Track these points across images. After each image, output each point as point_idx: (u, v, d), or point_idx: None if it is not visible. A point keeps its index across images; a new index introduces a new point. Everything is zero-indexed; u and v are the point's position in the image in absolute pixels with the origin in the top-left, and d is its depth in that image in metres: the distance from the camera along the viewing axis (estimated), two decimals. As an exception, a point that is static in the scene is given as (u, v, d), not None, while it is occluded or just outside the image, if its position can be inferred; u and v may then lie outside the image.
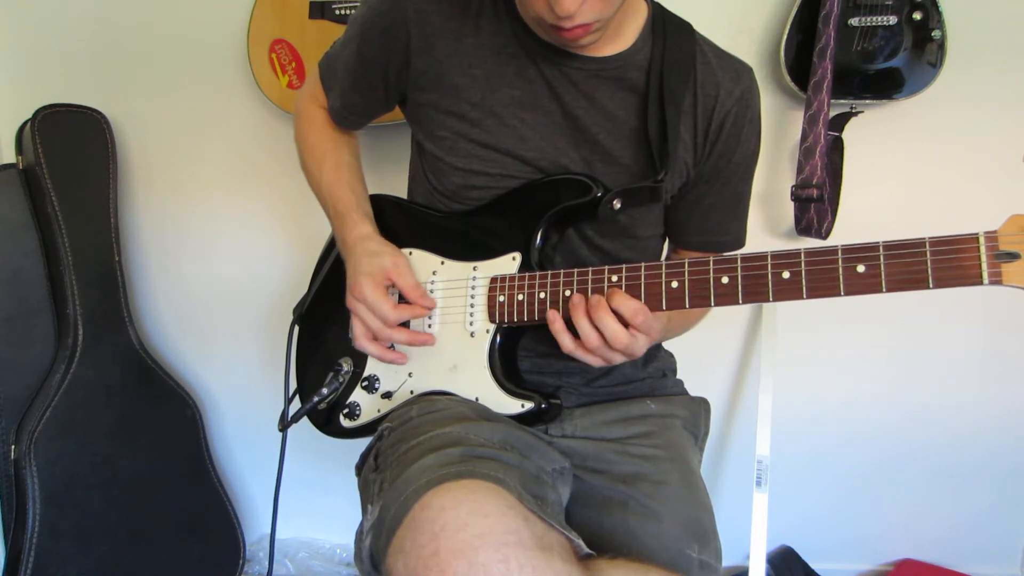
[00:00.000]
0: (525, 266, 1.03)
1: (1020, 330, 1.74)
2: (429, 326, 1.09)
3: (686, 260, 0.89)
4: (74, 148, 1.69)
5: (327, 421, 1.17)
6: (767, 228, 1.73)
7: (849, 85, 1.53)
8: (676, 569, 0.93)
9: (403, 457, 0.88)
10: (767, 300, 0.84)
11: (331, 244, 1.25)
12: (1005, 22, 1.61)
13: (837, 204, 1.61)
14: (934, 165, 1.68)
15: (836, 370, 1.80)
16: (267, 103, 1.72)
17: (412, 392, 1.09)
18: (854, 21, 1.51)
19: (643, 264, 0.92)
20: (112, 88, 1.82)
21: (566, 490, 1.02)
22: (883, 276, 0.77)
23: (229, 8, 1.74)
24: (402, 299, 1.07)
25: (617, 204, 1.01)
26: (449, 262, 1.09)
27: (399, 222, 1.17)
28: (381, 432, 1.02)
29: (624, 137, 1.06)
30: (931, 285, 0.74)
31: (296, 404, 1.21)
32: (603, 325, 0.91)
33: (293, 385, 1.24)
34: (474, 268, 1.07)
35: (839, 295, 0.80)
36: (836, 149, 1.60)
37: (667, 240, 1.23)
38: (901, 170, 1.69)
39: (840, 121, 1.59)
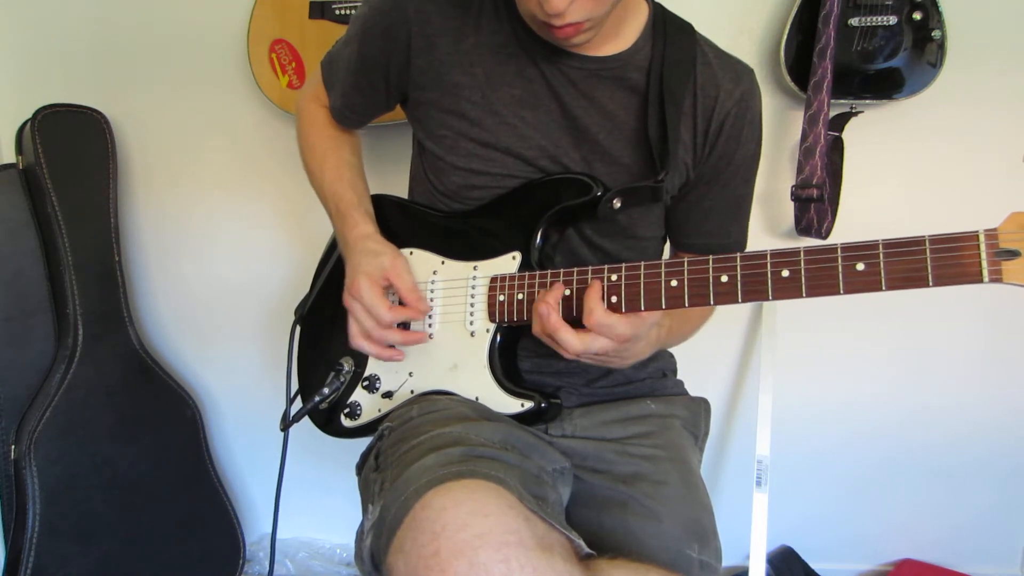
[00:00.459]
0: (525, 265, 1.03)
1: (1020, 329, 1.74)
2: (429, 325, 1.09)
3: (685, 259, 0.89)
4: (74, 148, 1.69)
5: (328, 421, 1.17)
6: (767, 228, 1.73)
7: (849, 85, 1.53)
8: (676, 569, 0.93)
9: (404, 457, 0.88)
10: (766, 299, 0.84)
11: (333, 244, 1.26)
12: (1005, 22, 1.61)
13: (837, 204, 1.61)
14: (934, 165, 1.68)
15: (836, 370, 1.81)
16: (267, 103, 1.72)
17: (412, 392, 1.09)
18: (854, 21, 1.51)
19: (642, 263, 0.92)
20: (112, 88, 1.82)
21: (566, 490, 1.02)
22: (883, 274, 0.77)
23: (229, 8, 1.74)
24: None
25: (617, 203, 1.01)
26: (449, 262, 1.09)
27: (399, 222, 1.17)
28: (382, 432, 1.02)
29: (624, 137, 1.06)
30: (931, 283, 0.74)
31: (297, 404, 1.21)
32: (557, 337, 0.92)
33: (294, 385, 1.24)
34: (474, 268, 1.07)
35: (839, 293, 0.79)
36: (836, 149, 1.60)
37: (668, 243, 1.23)
38: (901, 170, 1.69)
39: (840, 121, 1.59)
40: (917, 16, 1.49)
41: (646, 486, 1.01)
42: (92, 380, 1.68)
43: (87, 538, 1.65)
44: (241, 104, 1.81)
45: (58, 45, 1.82)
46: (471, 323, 1.05)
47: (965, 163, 1.67)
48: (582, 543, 0.80)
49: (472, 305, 1.06)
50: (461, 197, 1.10)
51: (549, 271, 0.99)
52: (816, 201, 1.54)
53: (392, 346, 1.09)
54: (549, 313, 0.92)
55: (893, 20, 1.50)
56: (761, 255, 0.84)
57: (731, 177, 1.11)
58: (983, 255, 0.72)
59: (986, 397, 1.78)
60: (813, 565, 1.86)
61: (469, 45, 1.05)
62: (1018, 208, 0.73)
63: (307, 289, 1.28)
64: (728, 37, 1.41)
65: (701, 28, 1.11)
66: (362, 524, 0.89)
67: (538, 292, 0.99)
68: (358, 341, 1.07)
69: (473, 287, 1.06)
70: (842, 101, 1.56)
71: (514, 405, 1.01)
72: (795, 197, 1.56)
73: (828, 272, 0.80)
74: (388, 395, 1.11)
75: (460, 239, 1.10)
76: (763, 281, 0.84)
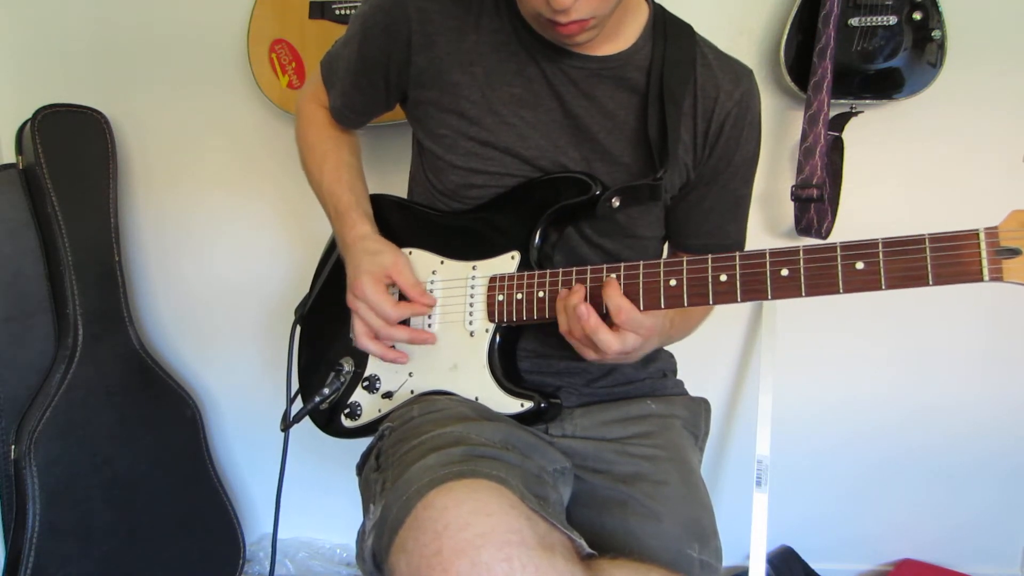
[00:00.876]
0: (524, 265, 1.03)
1: (1021, 329, 1.74)
2: (429, 325, 1.09)
3: (684, 258, 0.89)
4: (74, 148, 1.69)
5: (329, 421, 1.17)
6: (767, 228, 1.73)
7: (849, 85, 1.53)
8: (676, 569, 0.93)
9: (405, 457, 0.88)
10: (766, 298, 0.84)
11: (332, 244, 1.26)
12: (1005, 22, 1.61)
13: (837, 204, 1.61)
14: (934, 165, 1.68)
15: (836, 370, 1.80)
16: (267, 103, 1.72)
17: (412, 392, 1.09)
18: (854, 21, 1.51)
19: (641, 263, 0.92)
20: (112, 88, 1.82)
21: (567, 490, 1.02)
22: (882, 273, 0.77)
23: (229, 8, 1.74)
24: (403, 298, 1.07)
25: (616, 202, 1.01)
26: (449, 261, 1.09)
27: (399, 222, 1.17)
28: (382, 432, 1.02)
29: (624, 137, 1.06)
30: (931, 282, 0.74)
31: (297, 404, 1.22)
32: (596, 338, 0.91)
33: (295, 385, 1.24)
34: (473, 267, 1.07)
35: (838, 292, 0.79)
36: (836, 149, 1.60)
37: (667, 243, 1.23)
38: (901, 170, 1.69)
39: (840, 121, 1.59)
40: (917, 16, 1.49)
41: (646, 486, 1.01)
42: (92, 380, 1.68)
43: (87, 538, 1.65)
44: (241, 104, 1.81)
45: (58, 45, 1.82)
46: (470, 323, 1.05)
47: (965, 163, 1.67)
48: (583, 543, 0.80)
49: (471, 305, 1.06)
50: (460, 196, 1.10)
51: (548, 271, 0.99)
52: (816, 201, 1.54)
53: (395, 347, 1.09)
54: (590, 314, 0.90)
55: (893, 20, 1.50)
56: (760, 254, 0.84)
57: (731, 178, 1.12)
58: (983, 253, 0.72)
59: (986, 397, 1.78)
60: (813, 565, 1.86)
61: (469, 44, 1.05)
62: (1018, 207, 0.73)
63: (307, 289, 1.28)
64: (728, 37, 1.41)
65: (701, 28, 1.11)
66: (363, 524, 0.89)
67: (537, 292, 0.99)
68: (363, 341, 1.07)
69: (472, 287, 1.06)
70: (842, 101, 1.56)
71: (514, 405, 1.01)
72: (795, 197, 1.56)
73: (827, 271, 0.80)
74: (388, 395, 1.12)
75: (459, 239, 1.10)
76: (762, 280, 0.84)
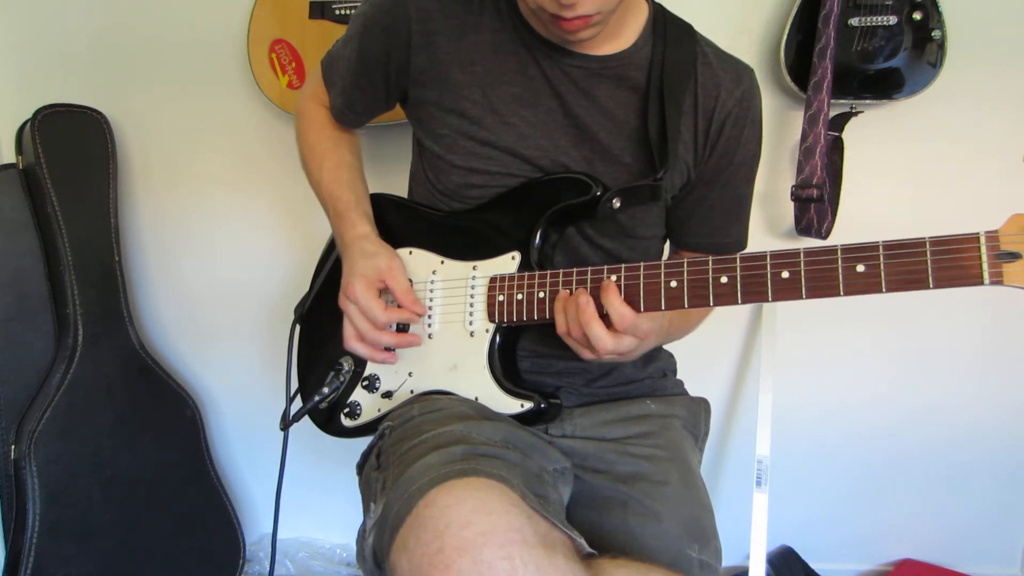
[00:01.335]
0: (524, 265, 1.03)
1: (1021, 330, 1.74)
2: (429, 325, 1.09)
3: (685, 260, 0.89)
4: (74, 148, 1.69)
5: (328, 420, 1.17)
6: (767, 228, 1.73)
7: (849, 85, 1.53)
8: (676, 569, 0.93)
9: (405, 455, 0.88)
10: (766, 300, 0.84)
11: (332, 243, 1.26)
12: (1005, 22, 1.61)
13: (837, 204, 1.61)
14: (934, 165, 1.68)
15: (836, 370, 1.81)
16: (267, 103, 1.72)
17: (412, 392, 1.09)
18: (854, 21, 1.51)
19: (642, 264, 0.92)
20: (112, 88, 1.82)
21: (567, 490, 1.02)
22: (883, 276, 0.77)
23: (229, 8, 1.74)
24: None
25: (617, 203, 1.01)
26: (449, 261, 1.09)
27: (399, 221, 1.17)
28: (382, 431, 1.02)
29: (624, 136, 1.06)
30: (931, 285, 0.74)
31: (297, 403, 1.22)
32: (591, 332, 0.91)
33: (294, 384, 1.24)
34: (474, 267, 1.07)
35: (839, 295, 0.79)
36: (836, 149, 1.60)
37: (668, 242, 1.23)
38: (901, 170, 1.69)
39: (840, 121, 1.59)
40: (917, 16, 1.49)
41: (646, 486, 1.01)
42: (92, 380, 1.68)
43: (87, 538, 1.65)
44: (241, 104, 1.80)
45: (58, 45, 1.82)
46: (471, 323, 1.05)
47: (965, 163, 1.67)
48: (583, 542, 0.80)
49: (472, 305, 1.06)
50: (461, 196, 1.10)
51: (548, 271, 0.99)
52: (816, 201, 1.54)
53: (387, 348, 1.09)
54: (589, 302, 0.91)
55: (893, 20, 1.50)
56: (761, 256, 0.84)
57: (732, 176, 1.12)
58: (984, 257, 0.72)
59: (986, 397, 1.78)
60: (813, 565, 1.86)
61: (469, 43, 1.05)
62: (1018, 209, 0.73)
63: (307, 289, 1.28)
64: (728, 37, 1.41)
65: (701, 28, 1.11)
66: (364, 523, 0.89)
67: (538, 292, 0.99)
68: (352, 343, 1.07)
69: (472, 287, 1.06)
70: (842, 101, 1.56)
71: (514, 405, 1.01)
72: (795, 197, 1.56)
73: (828, 274, 0.80)
74: (388, 395, 1.12)
75: (460, 239, 1.10)
76: (763, 282, 0.84)
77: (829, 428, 1.83)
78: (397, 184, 1.27)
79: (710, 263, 0.87)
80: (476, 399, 1.04)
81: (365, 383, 1.14)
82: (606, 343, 0.90)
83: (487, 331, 1.04)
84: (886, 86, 1.53)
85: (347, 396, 1.15)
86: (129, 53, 1.81)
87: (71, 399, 1.65)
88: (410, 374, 1.10)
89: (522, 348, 1.09)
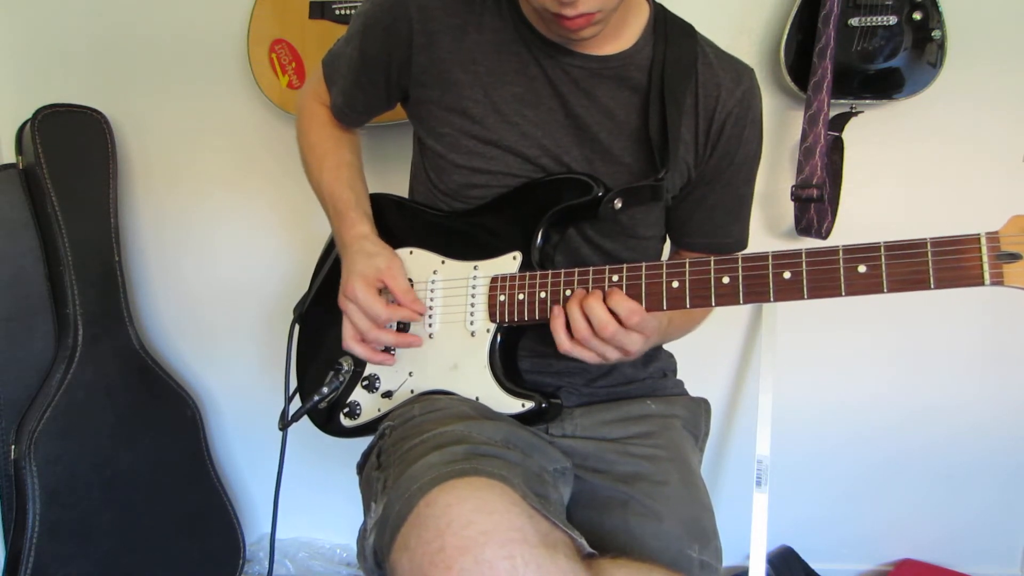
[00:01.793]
0: (526, 265, 1.03)
1: (1021, 330, 1.74)
2: (430, 325, 1.09)
3: (687, 260, 0.89)
4: (74, 148, 1.69)
5: (328, 420, 1.17)
6: (767, 228, 1.74)
7: (849, 85, 1.53)
8: (676, 569, 0.93)
9: (406, 455, 0.88)
10: (768, 300, 0.84)
11: (332, 243, 1.26)
12: (1005, 22, 1.61)
13: (837, 204, 1.61)
14: (934, 165, 1.68)
15: (836, 370, 1.81)
16: (267, 103, 1.72)
17: (412, 391, 1.09)
18: (854, 21, 1.51)
19: (644, 264, 0.92)
20: (112, 88, 1.82)
21: (567, 490, 1.02)
22: (884, 276, 0.77)
23: (229, 8, 1.74)
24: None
25: (618, 203, 1.01)
26: (450, 261, 1.10)
27: (400, 221, 1.17)
28: (383, 431, 1.02)
29: (625, 136, 1.06)
30: (932, 286, 0.74)
31: (297, 403, 1.21)
32: (592, 313, 0.91)
33: (293, 384, 1.24)
34: (475, 267, 1.07)
35: (840, 295, 0.79)
36: (836, 149, 1.60)
37: (669, 242, 1.23)
38: (901, 170, 1.69)
39: (840, 121, 1.59)
40: (917, 16, 1.49)
41: (646, 486, 1.01)
42: (92, 380, 1.68)
43: (87, 538, 1.65)
44: (241, 104, 1.81)
45: (58, 45, 1.82)
46: (471, 323, 1.05)
47: (965, 163, 1.67)
48: (584, 542, 0.81)
49: (472, 305, 1.06)
50: (462, 196, 1.10)
51: (550, 271, 0.99)
52: (816, 201, 1.54)
53: (386, 350, 1.09)
54: (609, 320, 0.91)
55: (893, 20, 1.50)
56: (763, 256, 0.84)
57: (732, 176, 1.12)
58: (984, 258, 0.72)
59: (986, 397, 1.78)
60: (813, 565, 1.86)
61: (471, 43, 1.05)
62: (1018, 210, 0.73)
63: (306, 288, 1.28)
64: (728, 37, 1.41)
65: (701, 28, 1.11)
66: (365, 522, 0.90)
67: (539, 292, 0.99)
68: (351, 343, 1.07)
69: (473, 287, 1.06)
70: (842, 101, 1.56)
71: (514, 405, 1.01)
72: (795, 197, 1.56)
73: (830, 274, 0.80)
74: (388, 395, 1.12)
75: (460, 238, 1.10)
76: (765, 283, 0.84)
77: (829, 428, 1.83)
78: (397, 184, 1.27)
79: (712, 263, 0.87)
80: (477, 399, 1.04)
81: (365, 383, 1.14)
82: (608, 326, 0.90)
83: (488, 331, 1.04)
84: (886, 86, 1.53)
85: (347, 396, 1.15)
86: (129, 53, 1.81)
87: (71, 399, 1.65)
88: (410, 374, 1.10)
89: (523, 348, 1.09)
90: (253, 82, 1.69)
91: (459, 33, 1.05)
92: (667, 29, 1.08)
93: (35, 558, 1.57)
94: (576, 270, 0.96)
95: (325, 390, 1.14)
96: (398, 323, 1.10)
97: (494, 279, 1.04)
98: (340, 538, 2.01)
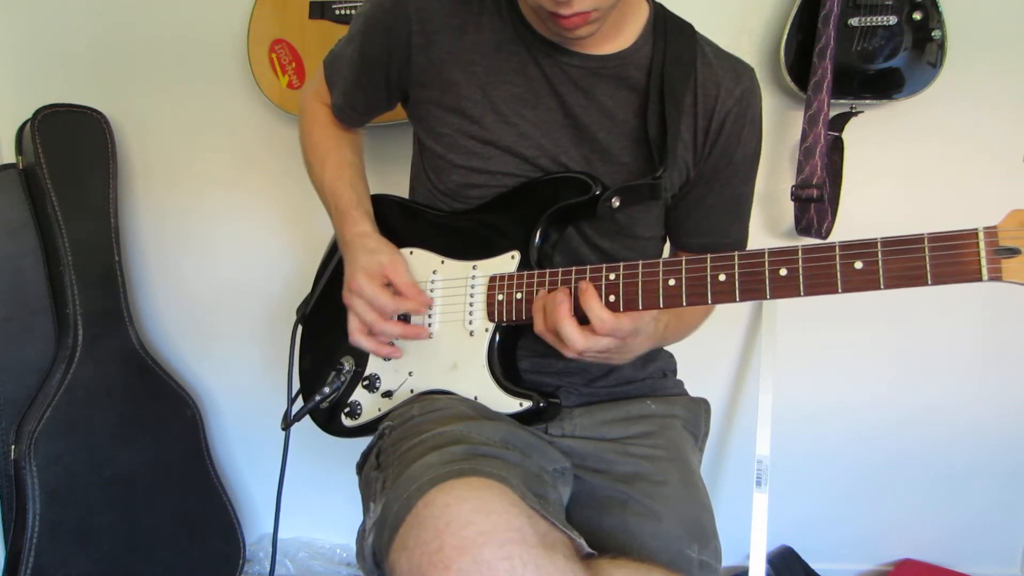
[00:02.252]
0: (524, 265, 1.03)
1: (1021, 329, 1.74)
2: (429, 325, 1.09)
3: (683, 258, 0.89)
4: (74, 148, 1.69)
5: (329, 420, 1.18)
6: (767, 228, 1.74)
7: (849, 85, 1.53)
8: (676, 569, 0.93)
9: (405, 455, 0.88)
10: (764, 297, 0.84)
11: (335, 245, 1.26)
12: (1005, 22, 1.61)
13: (837, 204, 1.61)
14: (934, 165, 1.68)
15: (836, 370, 1.80)
16: (267, 103, 1.72)
17: (412, 391, 1.09)
18: (854, 21, 1.51)
19: (640, 262, 0.92)
20: (112, 88, 1.82)
21: (566, 490, 1.02)
22: (881, 273, 0.76)
23: (229, 8, 1.74)
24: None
25: (616, 202, 1.01)
26: (449, 261, 1.10)
27: (400, 221, 1.17)
28: (382, 431, 1.02)
29: (624, 136, 1.06)
30: (930, 282, 0.74)
31: (298, 403, 1.22)
32: (561, 330, 0.90)
33: (295, 384, 1.24)
34: (473, 267, 1.07)
35: (837, 292, 0.79)
36: (836, 149, 1.60)
37: (668, 242, 1.23)
38: (901, 170, 1.69)
39: (840, 121, 1.59)
40: (917, 16, 1.49)
41: (646, 486, 1.01)
42: (92, 380, 1.68)
43: (87, 538, 1.65)
44: (241, 104, 1.81)
45: (58, 45, 1.82)
46: (470, 322, 1.05)
47: (965, 163, 1.67)
48: (583, 542, 0.80)
49: (471, 304, 1.06)
50: (461, 196, 1.10)
51: (548, 270, 0.99)
52: (816, 201, 1.54)
53: (391, 344, 1.09)
54: (562, 301, 0.91)
55: (893, 20, 1.50)
56: (759, 254, 0.84)
57: (731, 176, 1.12)
58: (982, 253, 0.72)
59: (986, 397, 1.78)
60: (813, 565, 1.86)
61: (469, 43, 1.06)
62: (1017, 207, 0.73)
63: (308, 289, 1.28)
64: (728, 37, 1.41)
65: (701, 28, 1.11)
66: (364, 522, 0.89)
67: (537, 292, 0.99)
68: (357, 337, 1.07)
69: (472, 286, 1.06)
70: (842, 101, 1.56)
71: (513, 405, 1.01)
72: (795, 197, 1.56)
73: (826, 271, 0.80)
74: (388, 394, 1.12)
75: (460, 238, 1.10)
76: (761, 280, 0.84)
77: (829, 428, 1.83)
78: (397, 184, 1.28)
79: (708, 261, 0.87)
80: (476, 398, 1.04)
81: (365, 383, 1.14)
82: (577, 342, 0.90)
83: (487, 330, 1.04)
84: (886, 86, 1.53)
85: (348, 396, 1.15)
86: (129, 53, 1.82)
87: (71, 399, 1.65)
88: (410, 373, 1.10)
89: (522, 347, 1.09)
90: (253, 82, 1.69)
91: (458, 33, 1.06)
92: (666, 28, 1.07)
93: (35, 558, 1.58)
94: (573, 268, 0.96)
95: (327, 390, 1.14)
96: (400, 318, 1.10)
97: (492, 278, 1.04)
98: (340, 538, 2.01)
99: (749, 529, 1.66)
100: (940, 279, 0.74)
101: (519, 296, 1.01)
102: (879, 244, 0.77)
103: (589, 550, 0.81)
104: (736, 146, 1.09)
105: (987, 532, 1.86)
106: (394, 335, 1.07)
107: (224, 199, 1.87)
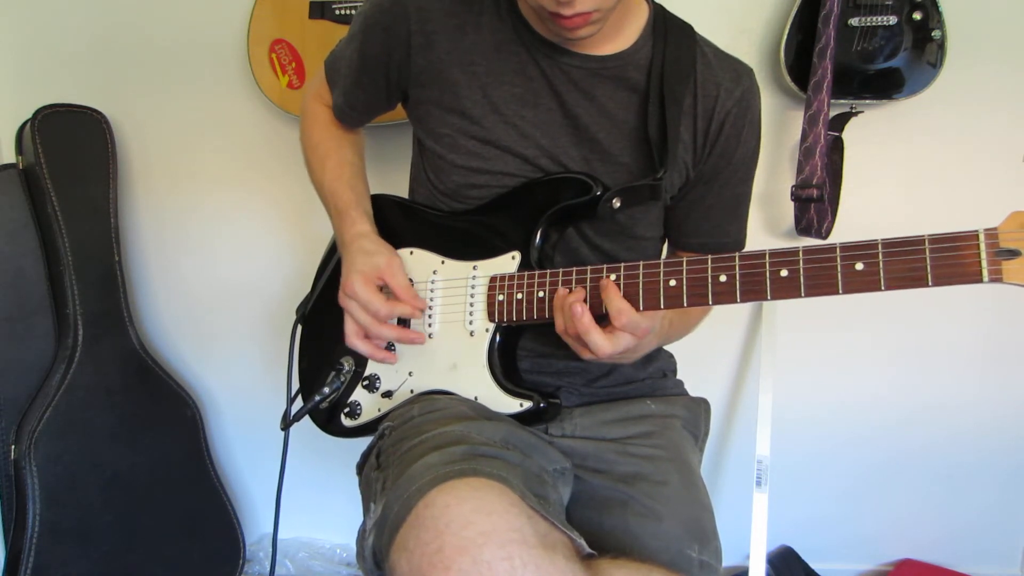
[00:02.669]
0: (524, 265, 1.03)
1: (1021, 329, 1.74)
2: (429, 325, 1.09)
3: (684, 259, 0.89)
4: (74, 148, 1.69)
5: (328, 420, 1.18)
6: (767, 228, 1.73)
7: (849, 85, 1.53)
8: (676, 569, 0.93)
9: (406, 455, 0.88)
10: (765, 298, 0.84)
11: (335, 244, 1.26)
12: (1005, 22, 1.61)
13: (837, 204, 1.61)
14: (934, 165, 1.68)
15: (836, 370, 1.81)
16: (267, 103, 1.72)
17: (412, 391, 1.09)
18: (854, 21, 1.51)
19: (641, 263, 0.92)
20: (112, 88, 1.82)
21: (567, 490, 1.02)
22: (882, 274, 0.77)
23: (229, 8, 1.74)
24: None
25: (616, 203, 1.01)
26: (449, 261, 1.10)
27: (400, 222, 1.17)
28: (382, 431, 1.02)
29: (624, 136, 1.06)
30: (930, 283, 0.74)
31: (298, 403, 1.22)
32: (588, 340, 0.91)
33: (295, 384, 1.24)
34: (474, 267, 1.07)
35: (838, 293, 0.79)
36: (836, 149, 1.60)
37: (667, 243, 1.23)
38: (901, 170, 1.69)
39: (840, 121, 1.59)
40: (917, 16, 1.49)
41: (646, 486, 1.01)
42: (92, 380, 1.68)
43: (87, 538, 1.65)
44: (241, 104, 1.81)
45: (58, 45, 1.82)
46: (470, 323, 1.05)
47: (965, 163, 1.67)
48: (583, 543, 0.80)
49: (472, 305, 1.06)
50: (461, 196, 1.10)
51: (548, 271, 0.99)
52: (816, 201, 1.54)
53: (388, 348, 1.09)
54: (584, 312, 0.91)
55: (893, 20, 1.50)
56: (760, 255, 0.84)
57: (731, 176, 1.12)
58: (983, 255, 0.72)
59: (986, 396, 1.78)
60: (813, 565, 1.86)
61: (470, 43, 1.06)
62: (1018, 208, 0.73)
63: (307, 289, 1.28)
64: (728, 37, 1.41)
65: (701, 28, 1.11)
66: (364, 523, 0.90)
67: (537, 292, 0.99)
68: (353, 340, 1.07)
69: (473, 287, 1.06)
70: (842, 101, 1.56)
71: (513, 405, 1.01)
72: (795, 197, 1.56)
73: (827, 272, 0.80)
74: (388, 395, 1.12)
75: (460, 238, 1.10)
76: (762, 281, 0.84)
77: (829, 428, 1.83)
78: (397, 184, 1.28)
79: (709, 262, 0.87)
80: (476, 399, 1.04)
81: (365, 383, 1.14)
82: (604, 347, 0.90)
83: (487, 331, 1.04)
84: (886, 86, 1.53)
85: (347, 396, 1.15)
86: (129, 53, 1.81)
87: (71, 399, 1.65)
88: (410, 374, 1.10)
89: (522, 348, 1.09)
90: (253, 82, 1.69)
91: (458, 33, 1.06)
92: (666, 29, 1.07)
93: (35, 558, 1.58)
94: (574, 269, 0.96)
95: (326, 390, 1.14)
96: (399, 321, 1.10)
97: (493, 279, 1.04)
98: (340, 538, 2.01)
99: (749, 529, 1.66)
100: (941, 280, 0.74)
101: (519, 296, 1.01)
102: (880, 245, 0.77)
103: (589, 550, 0.81)
104: (736, 147, 1.09)
105: (987, 532, 1.86)
106: (389, 338, 1.07)
107: (224, 199, 1.87)
